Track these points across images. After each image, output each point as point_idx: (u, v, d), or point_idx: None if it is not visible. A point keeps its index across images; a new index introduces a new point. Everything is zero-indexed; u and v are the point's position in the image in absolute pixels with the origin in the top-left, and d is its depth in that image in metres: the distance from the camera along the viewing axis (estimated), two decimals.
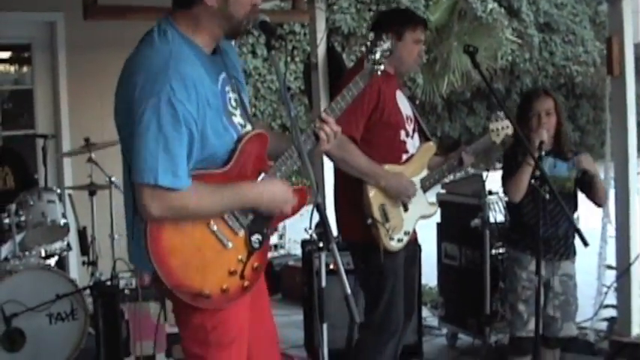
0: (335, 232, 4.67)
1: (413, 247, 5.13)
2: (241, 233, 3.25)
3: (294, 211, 3.45)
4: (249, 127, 3.34)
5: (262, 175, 3.33)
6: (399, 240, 4.83)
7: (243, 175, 3.25)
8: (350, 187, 4.82)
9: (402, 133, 4.89)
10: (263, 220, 3.32)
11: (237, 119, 3.29)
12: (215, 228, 3.18)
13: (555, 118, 5.07)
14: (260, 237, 3.30)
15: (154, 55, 3.05)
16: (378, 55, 3.85)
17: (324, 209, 2.99)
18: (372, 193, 4.74)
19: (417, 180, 4.94)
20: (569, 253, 5.14)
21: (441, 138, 19.04)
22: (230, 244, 3.21)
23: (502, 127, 5.02)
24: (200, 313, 3.22)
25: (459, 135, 19.66)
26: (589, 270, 7.12)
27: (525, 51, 19.32)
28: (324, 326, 3.33)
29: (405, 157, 4.92)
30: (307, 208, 3.35)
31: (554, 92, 5.61)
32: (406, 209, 4.86)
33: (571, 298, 5.15)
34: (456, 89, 17.75)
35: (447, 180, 6.30)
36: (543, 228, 4.69)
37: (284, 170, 3.39)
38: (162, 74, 2.98)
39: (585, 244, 4.35)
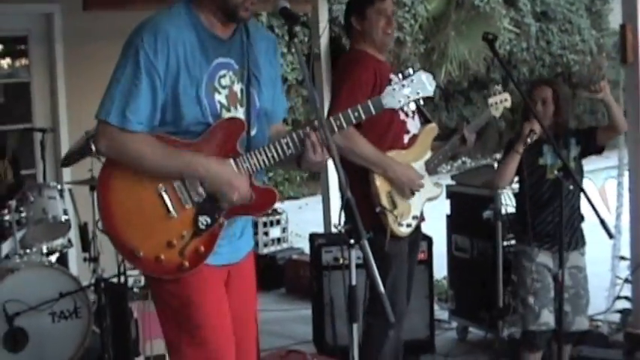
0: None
1: (415, 233, 5.07)
2: (188, 207, 3.26)
3: (259, 210, 3.43)
4: (235, 114, 3.34)
5: (230, 160, 3.29)
6: (408, 225, 4.87)
7: (207, 154, 3.27)
8: (356, 177, 4.73)
9: (401, 113, 4.86)
10: (216, 205, 3.27)
11: (220, 98, 3.31)
12: (163, 192, 3.24)
13: (552, 107, 5.04)
14: (209, 219, 3.27)
15: (152, 16, 3.26)
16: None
17: (354, 204, 2.85)
18: (379, 181, 4.76)
19: (421, 163, 4.97)
20: (578, 244, 5.05)
21: (438, 127, 18.90)
22: (175, 214, 3.25)
23: (501, 101, 5.03)
24: (164, 289, 3.33)
25: (456, 124, 19.51)
26: (601, 261, 7.01)
27: (522, 40, 19.23)
28: (355, 326, 3.19)
29: (406, 137, 4.92)
30: (310, 201, 3.23)
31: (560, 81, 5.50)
32: (413, 194, 4.85)
33: (582, 291, 5.08)
34: (453, 79, 17.69)
35: (456, 172, 6.23)
36: (544, 216, 4.83)
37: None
38: (142, 28, 3.21)
39: (610, 235, 4.25)
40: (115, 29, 4.08)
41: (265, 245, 9.06)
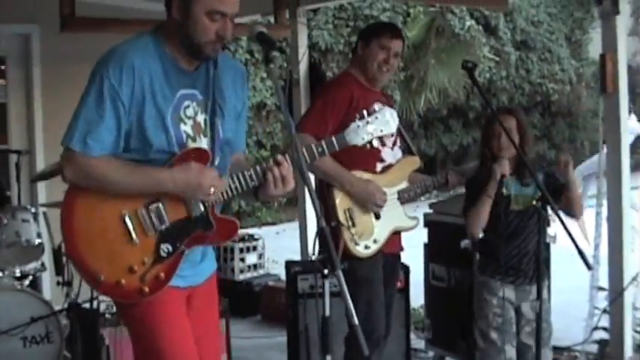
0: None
1: (392, 260, 5.08)
2: (151, 234, 3.31)
3: (220, 240, 3.49)
4: (200, 144, 3.39)
5: (192, 162, 3.32)
6: (366, 247, 4.82)
7: None
8: (320, 192, 4.79)
9: (375, 141, 4.77)
10: (179, 233, 3.33)
11: (186, 128, 3.35)
12: (127, 218, 3.29)
13: (517, 137, 4.82)
14: (170, 247, 3.32)
15: (118, 45, 3.30)
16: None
17: (328, 233, 2.81)
18: (339, 196, 4.76)
19: (394, 190, 4.93)
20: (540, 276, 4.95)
21: (417, 155, 18.93)
22: (137, 240, 3.29)
23: None
24: (129, 313, 3.41)
25: (435, 152, 19.58)
26: (579, 291, 6.99)
27: (502, 68, 19.27)
28: (328, 358, 3.15)
29: (380, 165, 4.91)
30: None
31: (530, 110, 5.40)
32: (377, 217, 4.81)
33: (544, 324, 4.96)
34: (432, 106, 17.70)
35: (434, 200, 6.20)
36: (509, 249, 4.74)
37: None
38: (108, 57, 3.24)
39: (588, 266, 4.20)
40: (93, 52, 4.03)
41: (241, 271, 8.95)
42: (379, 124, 3.41)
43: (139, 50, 3.28)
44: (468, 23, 17.23)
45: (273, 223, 15.83)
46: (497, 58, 18.83)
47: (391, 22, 5.24)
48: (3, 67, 8.37)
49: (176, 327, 3.39)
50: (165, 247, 3.32)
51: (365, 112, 3.45)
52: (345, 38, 16.09)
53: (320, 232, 2.85)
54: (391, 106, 5.01)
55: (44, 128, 8.18)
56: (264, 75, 15.26)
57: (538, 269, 4.54)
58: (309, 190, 2.97)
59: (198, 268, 3.52)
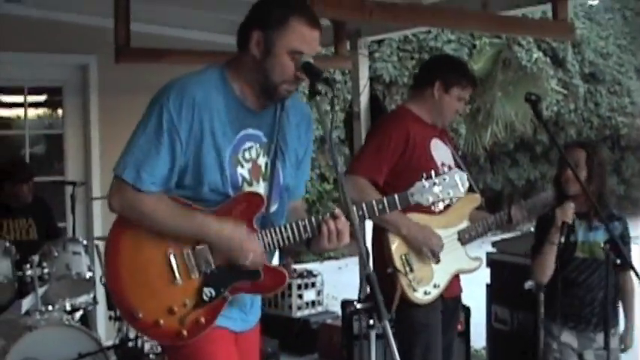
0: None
1: (453, 304, 4.87)
2: (194, 276, 3.20)
3: (267, 290, 3.35)
4: (256, 188, 3.28)
5: (244, 225, 3.21)
6: (426, 292, 4.60)
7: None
8: (377, 236, 4.66)
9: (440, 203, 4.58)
10: (224, 278, 3.21)
11: (242, 171, 3.25)
12: (172, 257, 3.18)
13: (585, 172, 4.55)
14: (213, 292, 3.20)
15: (181, 77, 3.20)
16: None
17: (374, 280, 2.60)
18: (396, 242, 4.56)
19: (453, 231, 4.71)
20: (608, 325, 4.64)
21: (483, 190, 18.65)
22: (180, 281, 3.19)
23: None
24: (180, 353, 3.26)
25: (502, 187, 19.25)
26: None
27: (570, 101, 18.93)
28: None
29: (441, 204, 4.65)
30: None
31: (599, 144, 5.06)
32: (437, 261, 4.60)
33: None
34: (499, 140, 17.42)
35: (497, 238, 5.97)
36: (572, 294, 4.55)
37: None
38: (169, 87, 3.14)
39: None
40: (150, 82, 3.99)
41: (299, 308, 8.75)
42: (447, 187, 3.28)
43: (202, 84, 3.18)
44: (535, 55, 17.00)
45: (336, 258, 15.60)
46: (565, 91, 18.53)
47: (466, 64, 5.01)
48: (60, 98, 8.36)
49: None
50: (209, 291, 3.20)
51: (433, 172, 3.30)
52: (409, 70, 15.92)
53: (367, 279, 2.63)
54: (449, 141, 4.87)
55: (101, 159, 8.13)
56: (328, 107, 15.13)
57: (605, 319, 4.28)
58: (358, 240, 2.83)
59: (247, 314, 3.41)
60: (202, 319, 3.20)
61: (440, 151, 4.77)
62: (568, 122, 19.19)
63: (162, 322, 3.19)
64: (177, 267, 3.18)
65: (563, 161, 4.61)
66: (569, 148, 4.75)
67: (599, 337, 4.58)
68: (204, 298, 3.19)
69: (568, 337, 4.67)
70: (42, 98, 9.05)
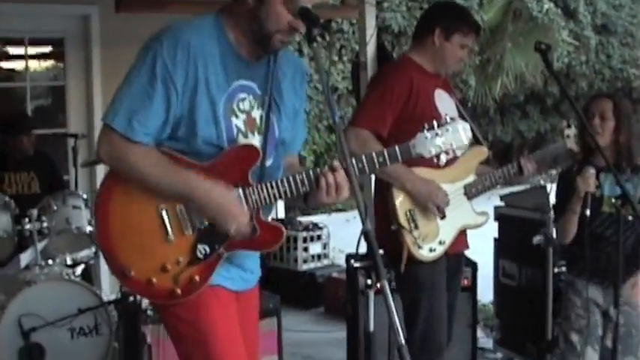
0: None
1: (456, 260, 4.76)
2: (188, 233, 3.08)
3: (263, 247, 3.22)
4: (252, 141, 3.15)
5: (239, 190, 3.06)
6: (432, 250, 4.48)
7: (215, 179, 3.05)
8: (380, 191, 4.55)
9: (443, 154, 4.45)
10: (219, 235, 3.07)
11: (237, 122, 3.12)
12: (164, 213, 3.06)
13: (613, 123, 4.52)
14: (208, 249, 3.08)
15: (175, 22, 3.06)
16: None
17: (373, 238, 2.48)
18: (400, 197, 4.41)
19: (460, 185, 4.58)
20: (618, 285, 4.56)
21: (493, 142, 18.53)
22: (173, 238, 3.06)
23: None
24: (172, 313, 3.15)
25: (511, 139, 19.10)
26: None
27: (582, 53, 18.69)
28: None
29: (444, 157, 4.51)
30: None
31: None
32: (443, 217, 4.46)
33: (633, 330, 4.62)
34: (509, 92, 17.24)
35: (505, 191, 5.85)
36: (599, 250, 4.44)
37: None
38: (163, 33, 3.00)
39: None
40: (151, 33, 3.88)
41: (305, 261, 8.67)
42: (450, 138, 3.10)
43: (198, 30, 3.05)
44: (546, 6, 16.74)
45: (344, 210, 15.47)
46: (576, 43, 18.28)
47: (468, 10, 4.84)
48: (61, 49, 8.26)
49: (228, 330, 3.15)
50: (203, 249, 3.07)
51: (435, 122, 3.13)
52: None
53: (365, 237, 2.51)
54: (452, 92, 4.74)
55: (103, 111, 7.97)
56: (336, 58, 14.96)
57: (616, 278, 4.19)
58: (355, 194, 2.68)
59: (247, 271, 3.29)
60: (197, 277, 3.08)
61: (444, 102, 4.64)
62: (579, 74, 18.98)
63: (154, 280, 3.07)
64: (170, 223, 3.05)
65: (588, 112, 4.54)
66: (595, 98, 4.70)
67: (626, 292, 4.54)
68: (199, 255, 3.07)
69: (593, 293, 4.62)
70: (44, 50, 8.95)
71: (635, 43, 20.18)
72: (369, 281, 2.75)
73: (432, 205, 4.42)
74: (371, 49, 7.45)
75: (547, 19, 16.70)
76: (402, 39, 15.62)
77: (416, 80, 4.49)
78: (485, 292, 6.51)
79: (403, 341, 2.29)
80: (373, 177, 4.85)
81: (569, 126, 4.59)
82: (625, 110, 4.60)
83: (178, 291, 3.07)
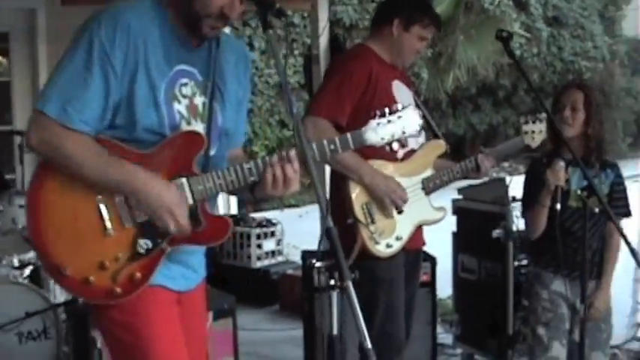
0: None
1: (415, 256, 4.66)
2: (128, 226, 2.87)
3: (208, 241, 3.02)
4: (196, 127, 2.98)
5: (183, 179, 2.89)
6: (388, 245, 4.35)
7: (157, 168, 2.87)
8: (335, 183, 4.42)
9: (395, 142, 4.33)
10: (160, 229, 2.87)
11: (180, 108, 2.94)
12: (101, 205, 2.85)
13: (583, 115, 4.45)
14: (150, 243, 2.89)
15: (113, 4, 2.87)
16: None
17: (335, 236, 2.35)
18: (356, 190, 4.28)
19: (417, 179, 4.47)
20: (584, 278, 4.49)
21: (445, 135, 18.48)
22: (112, 232, 2.85)
23: (540, 130, 4.45)
24: (107, 316, 2.94)
25: (464, 132, 19.17)
26: (620, 286, 6.54)
27: (533, 45, 18.83)
28: None
29: (402, 151, 4.44)
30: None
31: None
32: (400, 212, 4.34)
33: (602, 324, 4.55)
34: (461, 85, 17.22)
35: (463, 184, 5.75)
36: (567, 244, 4.37)
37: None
38: (100, 14, 2.82)
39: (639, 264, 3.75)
40: None
41: (258, 259, 8.52)
42: (401, 124, 3.01)
43: (137, 11, 2.86)
44: None
45: (296, 206, 15.37)
46: (528, 35, 18.40)
47: (429, 2, 4.74)
48: (6, 45, 8.12)
49: (168, 333, 2.95)
50: (144, 243, 2.88)
51: (387, 109, 3.03)
52: (370, 14, 15.65)
53: (327, 234, 2.38)
54: (410, 85, 4.63)
55: None
56: (287, 52, 14.85)
57: (582, 271, 4.13)
58: (314, 186, 2.55)
59: (190, 269, 3.10)
60: (138, 274, 2.88)
61: (402, 94, 4.52)
62: (531, 66, 19.11)
63: (92, 278, 2.85)
64: (109, 216, 2.85)
65: (563, 100, 4.48)
66: (567, 88, 4.61)
67: (592, 285, 4.49)
68: (140, 250, 2.87)
69: (559, 286, 4.55)
70: None
71: (586, 35, 20.37)
72: (332, 282, 2.60)
73: (388, 201, 4.30)
74: (324, 41, 7.35)
75: (499, 12, 16.82)
76: (353, 32, 15.58)
77: (375, 70, 4.37)
78: (444, 287, 6.41)
79: (370, 345, 2.17)
80: (328, 169, 4.73)
81: (526, 122, 4.49)
82: (595, 102, 4.53)
83: (118, 290, 2.87)
